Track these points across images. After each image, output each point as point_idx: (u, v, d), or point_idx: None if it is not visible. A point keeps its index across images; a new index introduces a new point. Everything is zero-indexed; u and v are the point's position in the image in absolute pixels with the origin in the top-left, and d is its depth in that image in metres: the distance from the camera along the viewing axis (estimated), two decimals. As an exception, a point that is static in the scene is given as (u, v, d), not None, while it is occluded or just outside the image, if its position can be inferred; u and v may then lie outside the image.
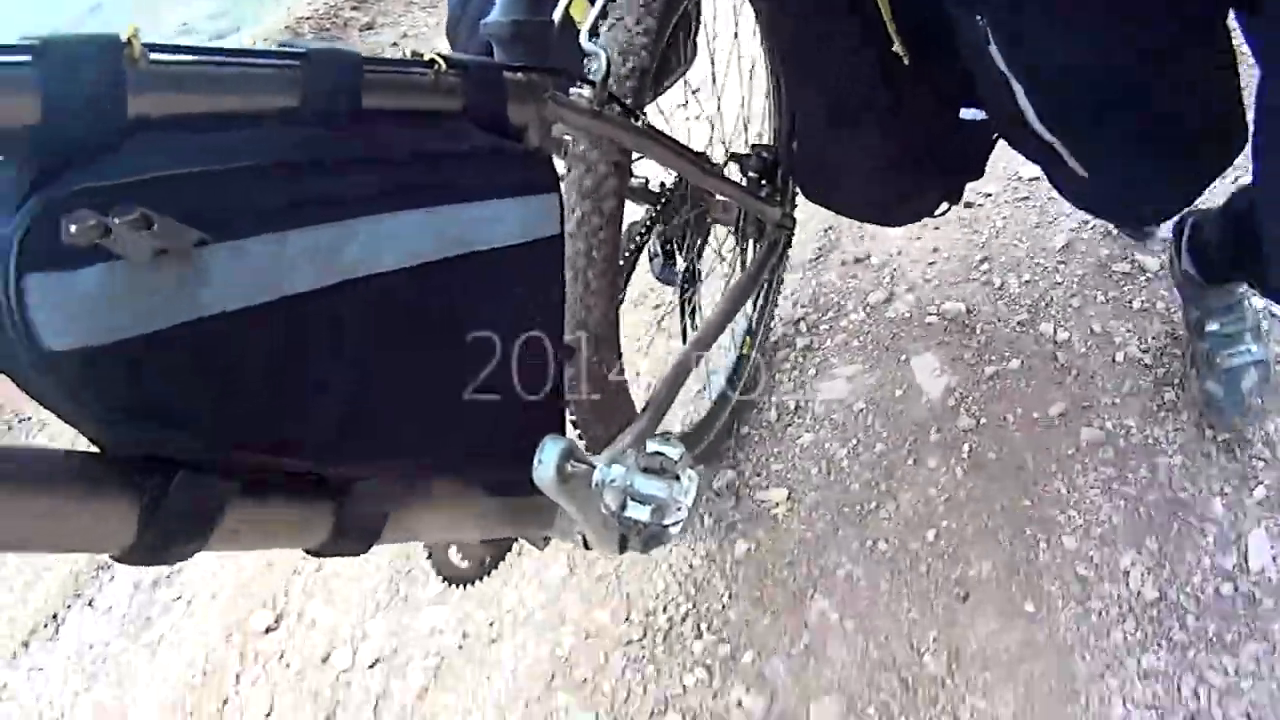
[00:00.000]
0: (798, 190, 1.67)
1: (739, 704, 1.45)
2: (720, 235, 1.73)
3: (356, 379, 0.74)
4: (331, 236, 0.68)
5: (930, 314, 1.85)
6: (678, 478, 1.00)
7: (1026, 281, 1.90)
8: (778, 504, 1.69)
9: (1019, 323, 1.83)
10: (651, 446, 1.01)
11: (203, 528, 0.67)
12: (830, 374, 1.88)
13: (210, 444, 0.64)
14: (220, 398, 0.64)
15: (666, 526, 0.99)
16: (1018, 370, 1.75)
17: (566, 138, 1.16)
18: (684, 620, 1.57)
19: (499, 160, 0.86)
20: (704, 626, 1.55)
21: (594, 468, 0.97)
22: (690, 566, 1.64)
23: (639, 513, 0.98)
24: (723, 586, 1.60)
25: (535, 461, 0.93)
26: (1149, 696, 1.29)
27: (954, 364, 1.80)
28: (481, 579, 1.22)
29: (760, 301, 1.89)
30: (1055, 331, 1.79)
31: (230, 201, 0.62)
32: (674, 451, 1.00)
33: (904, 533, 1.58)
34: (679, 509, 0.99)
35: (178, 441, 0.62)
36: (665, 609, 1.59)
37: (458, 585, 1.21)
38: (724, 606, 1.57)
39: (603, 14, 1.05)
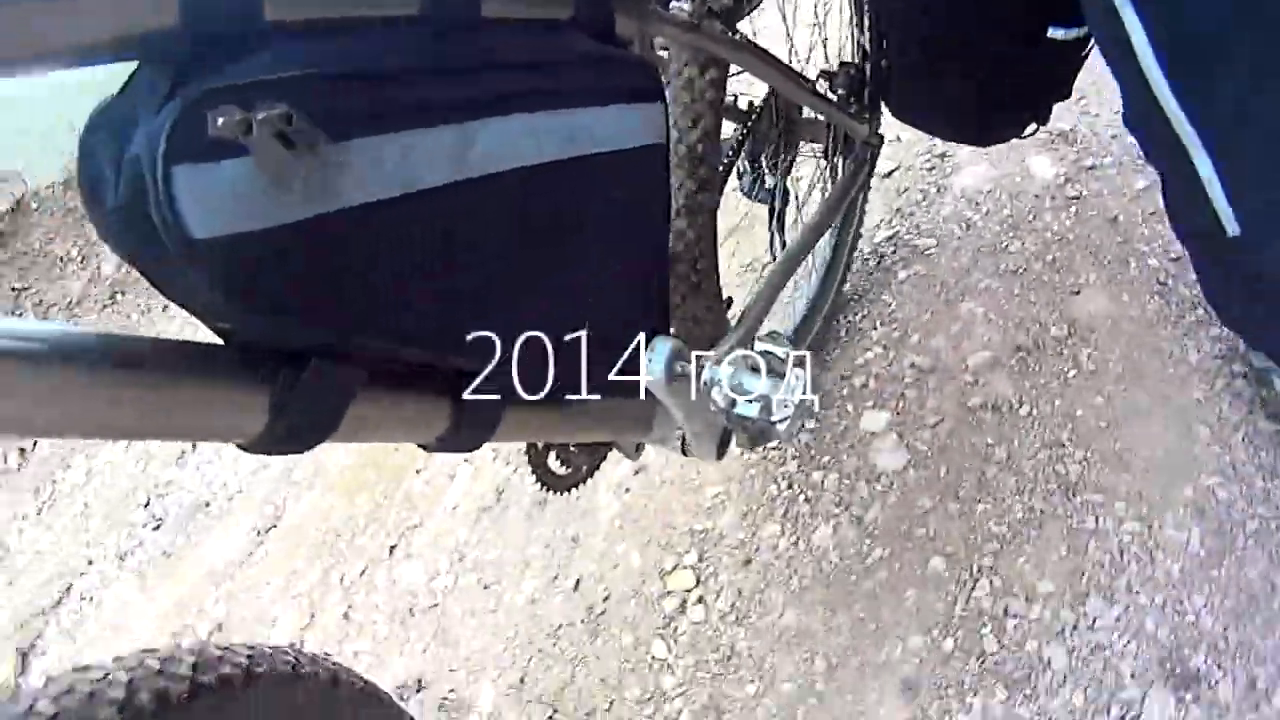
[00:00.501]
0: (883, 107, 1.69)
1: (911, 365, 1.87)
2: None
3: (480, 273, 0.78)
4: (456, 137, 0.72)
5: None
6: (783, 375, 1.03)
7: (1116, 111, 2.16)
8: (928, 248, 2.10)
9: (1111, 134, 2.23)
10: (760, 346, 1.04)
11: (330, 419, 0.71)
12: (960, 171, 2.29)
13: (341, 335, 0.68)
14: (352, 288, 0.67)
15: (774, 423, 1.03)
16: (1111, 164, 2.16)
17: (664, 54, 1.19)
18: (861, 321, 2.00)
19: (607, 68, 0.88)
20: (878, 322, 1.98)
21: (703, 367, 1.01)
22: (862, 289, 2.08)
23: (748, 409, 1.02)
24: (890, 298, 2.02)
25: (644, 361, 0.97)
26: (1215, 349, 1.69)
27: (1060, 160, 2.21)
28: (578, 486, 1.27)
29: (849, 214, 1.91)
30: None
31: (362, 102, 0.65)
32: (781, 350, 1.04)
33: (1028, 259, 1.99)
34: (786, 405, 1.03)
35: (309, 331, 0.65)
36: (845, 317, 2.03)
37: (557, 492, 1.25)
38: (892, 310, 1.99)
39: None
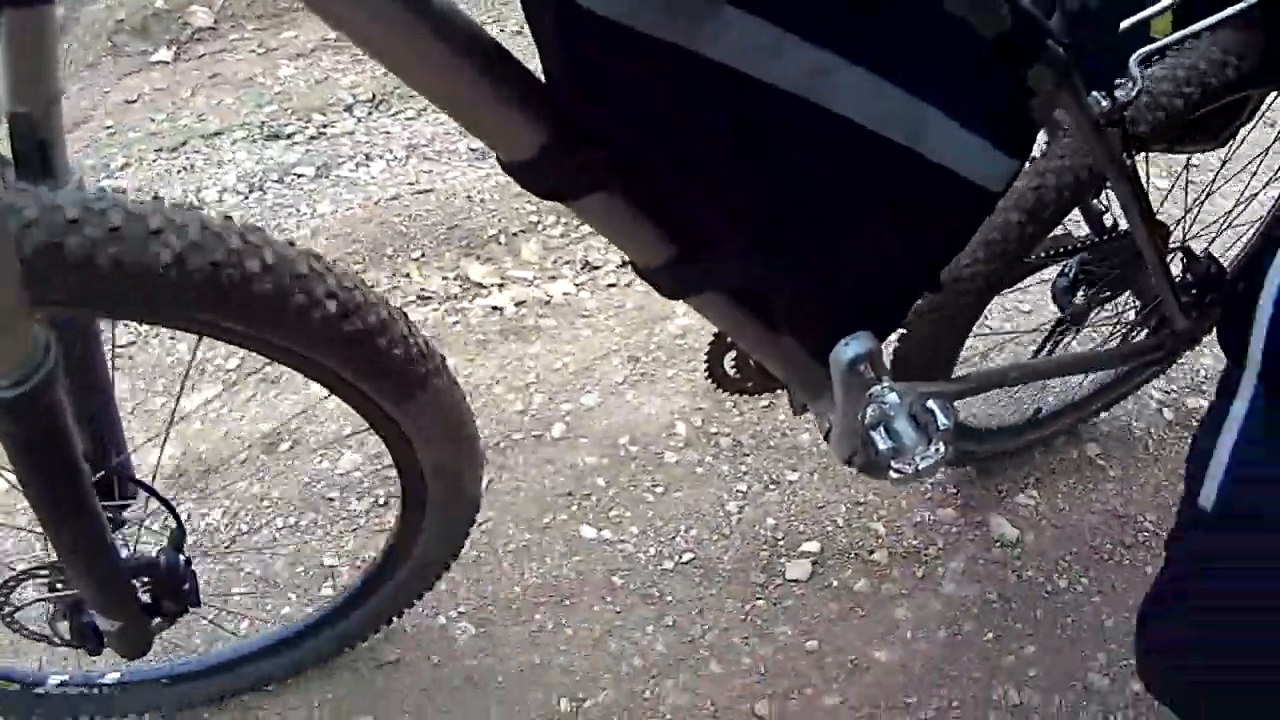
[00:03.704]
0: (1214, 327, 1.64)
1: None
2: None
3: (762, 174, 0.86)
4: (820, 60, 0.78)
5: None
6: (930, 441, 1.07)
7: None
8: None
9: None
10: (931, 404, 1.08)
11: (577, 189, 0.82)
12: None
13: (627, 140, 0.78)
14: (660, 117, 0.77)
15: (890, 468, 1.07)
16: None
17: (1064, 125, 1.20)
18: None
19: (991, 98, 0.91)
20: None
21: (879, 381, 1.05)
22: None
23: (881, 440, 1.07)
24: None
25: (842, 342, 1.03)
26: None
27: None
28: (738, 394, 1.35)
29: (1109, 381, 1.87)
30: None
31: None
32: (945, 420, 1.07)
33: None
34: (909, 465, 1.07)
35: (607, 120, 0.76)
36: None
37: (722, 389, 1.34)
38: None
39: (1166, 50, 1.07)
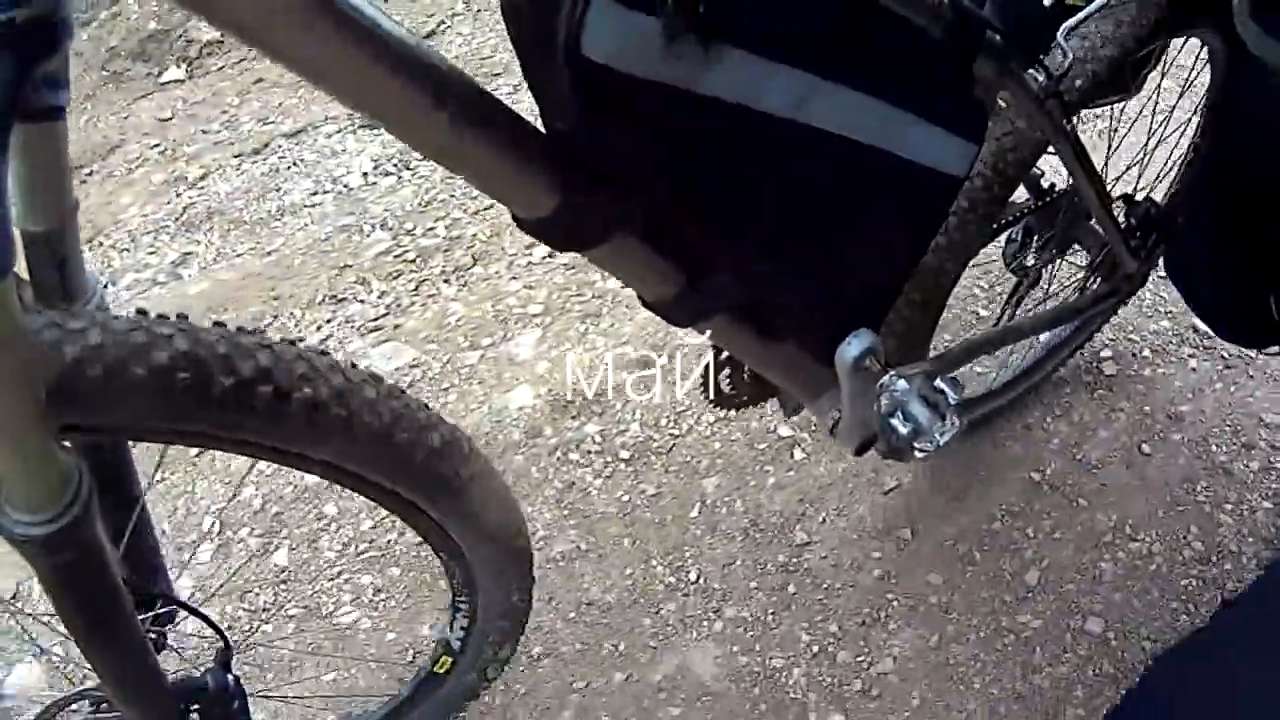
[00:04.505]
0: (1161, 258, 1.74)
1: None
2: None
3: (759, 195, 0.92)
4: (808, 86, 0.85)
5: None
6: (944, 418, 1.13)
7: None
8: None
9: None
10: (939, 383, 1.14)
11: (597, 236, 0.86)
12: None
13: (635, 182, 0.83)
14: (666, 155, 0.83)
15: (914, 448, 1.14)
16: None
17: (1002, 103, 1.27)
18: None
19: (946, 91, 0.99)
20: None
21: (887, 372, 1.12)
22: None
23: (901, 425, 1.13)
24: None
25: (845, 342, 1.09)
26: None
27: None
28: (733, 409, 1.41)
29: (1077, 332, 1.96)
30: None
31: (758, 22, 0.78)
32: (954, 396, 1.14)
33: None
34: (930, 442, 1.13)
35: (618, 163, 0.81)
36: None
37: (717, 405, 1.39)
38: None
39: (1087, 18, 1.15)
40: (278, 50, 0.63)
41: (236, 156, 2.62)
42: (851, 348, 1.09)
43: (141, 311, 0.76)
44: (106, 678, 0.92)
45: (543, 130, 0.79)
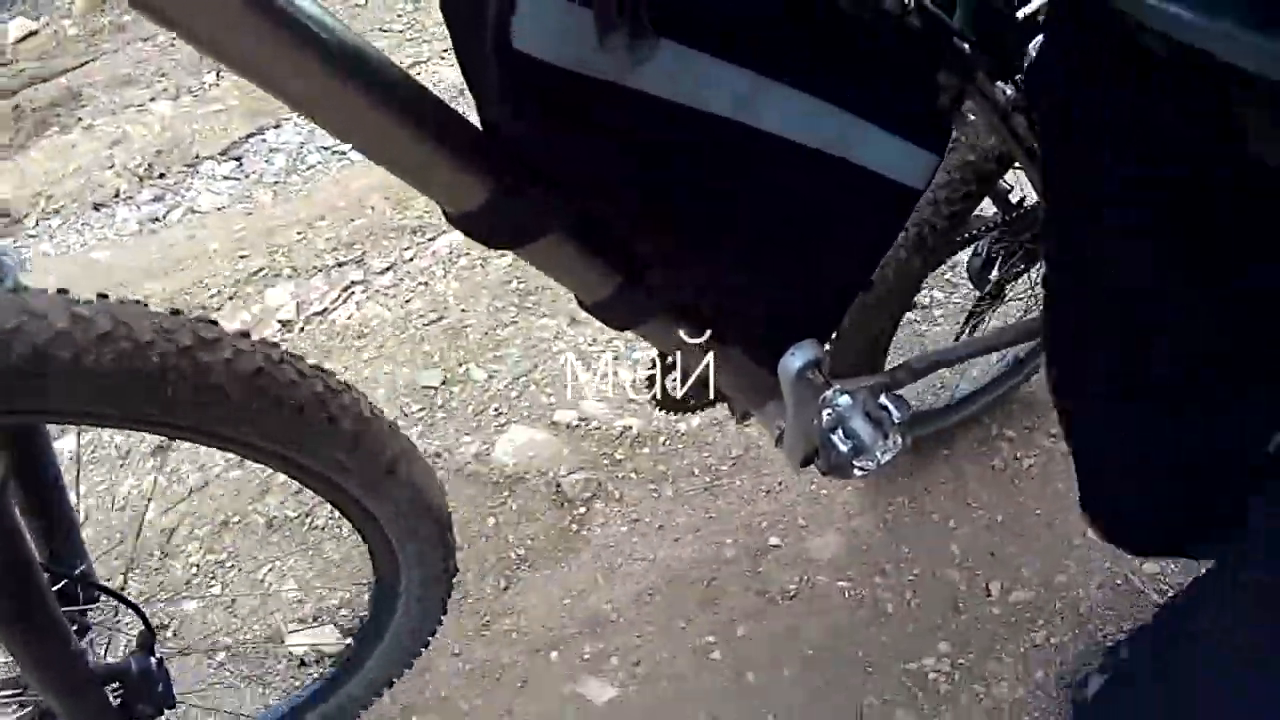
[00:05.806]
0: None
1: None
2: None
3: (700, 197, 0.88)
4: (751, 84, 0.81)
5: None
6: (886, 436, 1.10)
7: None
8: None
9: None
10: (883, 400, 1.11)
11: (526, 235, 0.83)
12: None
13: (568, 180, 0.80)
14: (598, 152, 0.79)
15: (855, 465, 1.10)
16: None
17: (970, 115, 1.24)
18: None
19: (908, 100, 0.95)
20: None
21: (830, 386, 1.08)
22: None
23: (841, 442, 1.09)
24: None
25: (789, 352, 1.06)
26: None
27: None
28: (680, 412, 1.37)
29: (1034, 355, 1.92)
30: None
31: (700, 14, 0.75)
32: (898, 414, 1.10)
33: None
34: (872, 461, 1.10)
35: (548, 159, 0.77)
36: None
37: (662, 409, 1.36)
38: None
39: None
40: (215, 47, 0.62)
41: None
42: (795, 359, 1.06)
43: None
44: (23, 662, 0.91)
45: (477, 124, 0.76)
